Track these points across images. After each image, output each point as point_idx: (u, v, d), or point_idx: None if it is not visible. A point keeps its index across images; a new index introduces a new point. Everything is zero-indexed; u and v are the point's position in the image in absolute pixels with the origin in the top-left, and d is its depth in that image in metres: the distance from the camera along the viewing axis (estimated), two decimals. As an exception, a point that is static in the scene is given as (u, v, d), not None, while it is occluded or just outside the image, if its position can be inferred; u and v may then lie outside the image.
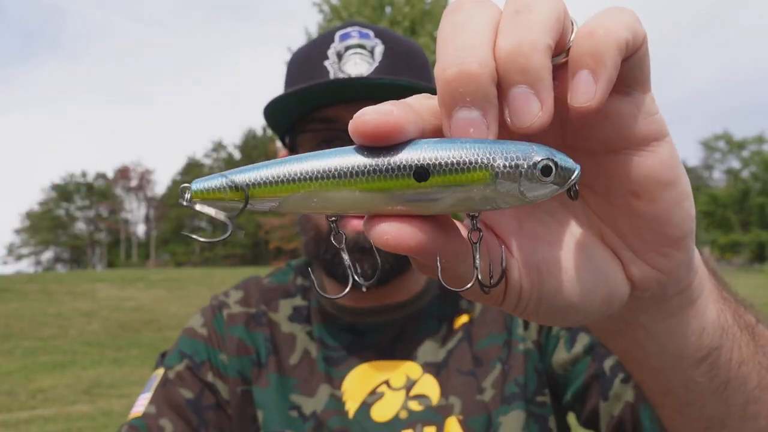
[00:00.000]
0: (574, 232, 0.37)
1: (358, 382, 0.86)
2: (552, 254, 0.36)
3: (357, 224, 0.79)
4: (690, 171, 57.05)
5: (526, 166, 0.28)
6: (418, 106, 0.31)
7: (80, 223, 60.98)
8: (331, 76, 0.82)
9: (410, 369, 0.86)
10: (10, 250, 58.74)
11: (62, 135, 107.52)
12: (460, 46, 0.29)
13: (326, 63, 0.83)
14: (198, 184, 0.30)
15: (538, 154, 0.28)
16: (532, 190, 0.29)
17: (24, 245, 59.33)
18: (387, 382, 0.85)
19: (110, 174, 61.99)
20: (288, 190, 0.29)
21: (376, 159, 0.28)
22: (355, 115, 0.28)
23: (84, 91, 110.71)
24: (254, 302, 0.94)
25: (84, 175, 61.27)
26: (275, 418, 0.84)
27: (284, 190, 0.29)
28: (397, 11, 20.41)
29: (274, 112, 0.86)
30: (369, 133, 0.28)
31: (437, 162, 0.28)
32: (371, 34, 0.86)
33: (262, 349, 0.89)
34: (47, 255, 60.25)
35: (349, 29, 0.86)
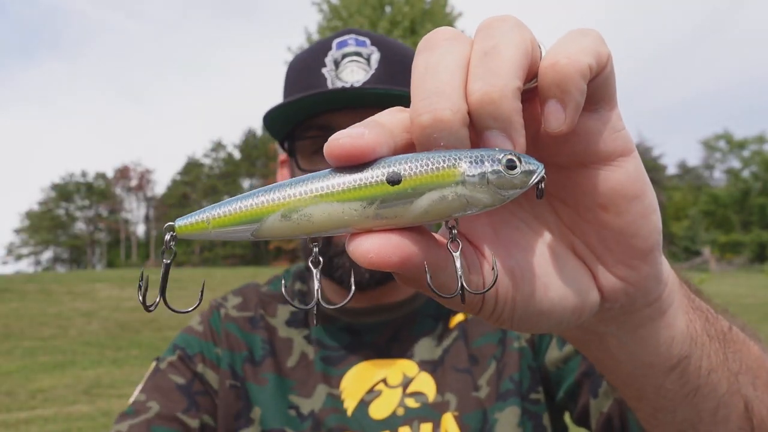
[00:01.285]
0: (547, 241, 0.38)
1: (356, 380, 0.87)
2: (526, 260, 0.37)
3: None
4: (690, 171, 57.12)
5: (491, 161, 0.30)
6: (390, 124, 0.32)
7: (80, 223, 60.97)
8: (329, 83, 0.83)
9: (407, 367, 0.87)
10: (10, 250, 58.72)
11: (62, 134, 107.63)
12: (433, 91, 0.30)
13: (324, 71, 0.85)
14: (180, 221, 0.32)
15: (501, 153, 0.30)
16: (501, 187, 0.30)
17: (24, 245, 59.30)
18: (384, 380, 0.87)
19: (110, 174, 62.07)
20: (268, 211, 0.30)
21: (350, 174, 0.30)
22: (329, 139, 0.30)
23: (84, 91, 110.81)
24: (252, 306, 0.96)
25: (84, 174, 61.25)
26: (274, 416, 0.85)
27: (265, 211, 0.30)
28: (396, 11, 20.39)
29: (273, 119, 0.87)
30: (343, 156, 0.29)
31: (408, 166, 0.30)
32: (368, 41, 0.87)
33: (257, 350, 0.90)
34: (47, 255, 60.28)
35: (345, 37, 0.88)
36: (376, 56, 0.86)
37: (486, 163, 0.30)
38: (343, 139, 0.29)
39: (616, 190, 0.35)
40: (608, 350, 0.44)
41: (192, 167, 58.18)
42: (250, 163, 56.04)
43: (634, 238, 0.36)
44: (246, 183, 57.67)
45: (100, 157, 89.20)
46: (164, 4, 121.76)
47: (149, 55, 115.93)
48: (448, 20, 21.40)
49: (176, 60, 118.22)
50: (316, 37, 20.23)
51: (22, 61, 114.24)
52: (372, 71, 0.84)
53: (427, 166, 0.29)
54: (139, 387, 0.87)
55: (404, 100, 0.92)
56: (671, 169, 59.68)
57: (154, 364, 0.90)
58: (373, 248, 0.30)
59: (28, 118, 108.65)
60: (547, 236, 0.39)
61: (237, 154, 57.13)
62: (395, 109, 0.34)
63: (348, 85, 0.83)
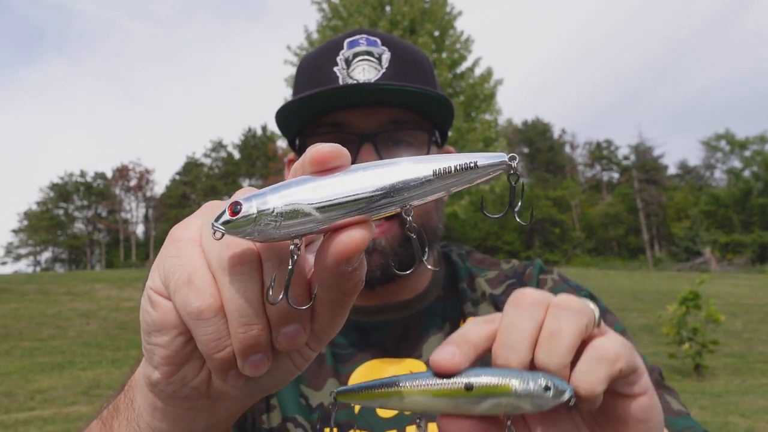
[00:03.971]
0: None
1: (364, 378, 0.88)
2: None
3: None
4: (691, 171, 57.15)
5: (534, 382, 0.44)
6: (477, 339, 0.47)
7: (79, 223, 60.91)
8: (340, 81, 0.84)
9: (415, 366, 0.88)
10: (9, 250, 58.64)
11: (61, 134, 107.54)
12: (510, 344, 0.46)
13: (335, 69, 0.86)
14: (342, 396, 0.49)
15: (542, 377, 0.44)
16: (539, 399, 0.44)
17: (22, 245, 59.23)
18: None
19: (109, 174, 61.96)
20: (385, 395, 0.47)
21: (444, 379, 0.45)
22: (434, 354, 0.46)
23: (83, 90, 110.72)
24: None
25: (83, 174, 61.17)
26: (289, 403, 0.86)
27: (394, 393, 0.47)
28: (396, 10, 20.36)
29: (285, 116, 0.87)
30: (444, 368, 0.45)
31: (478, 380, 0.45)
32: (379, 41, 0.88)
33: None
34: (46, 255, 60.22)
35: (357, 36, 0.89)
36: (387, 56, 0.87)
37: (530, 384, 0.44)
38: (442, 362, 0.44)
39: (630, 414, 0.48)
40: None
41: (192, 167, 58.14)
42: (250, 163, 56.00)
43: None
44: (246, 183, 57.63)
45: (99, 157, 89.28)
46: (165, 4, 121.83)
47: (149, 54, 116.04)
48: (448, 20, 21.38)
49: (176, 59, 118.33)
50: (315, 36, 20.17)
51: (21, 60, 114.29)
52: (383, 70, 0.85)
53: (491, 381, 0.44)
54: None
55: (418, 97, 0.86)
56: (672, 169, 59.92)
57: None
58: (459, 429, 0.44)
59: (26, 117, 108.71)
60: None
61: (237, 154, 57.09)
62: (482, 322, 0.48)
63: (359, 83, 0.83)
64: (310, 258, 0.41)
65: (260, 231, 0.37)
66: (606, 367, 0.45)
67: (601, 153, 61.55)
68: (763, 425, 5.35)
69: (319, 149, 0.38)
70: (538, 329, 0.46)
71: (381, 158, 0.81)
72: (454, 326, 0.91)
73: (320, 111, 0.85)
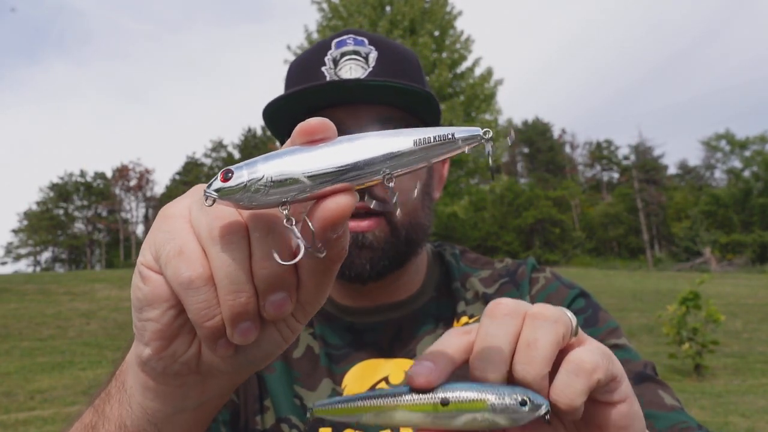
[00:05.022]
0: None
1: (358, 378, 0.88)
2: None
3: (353, 225, 0.84)
4: (691, 171, 57.09)
5: (510, 397, 0.45)
6: (455, 353, 0.48)
7: (79, 223, 60.89)
8: (328, 80, 0.85)
9: (408, 365, 0.89)
10: (9, 250, 58.63)
11: (60, 134, 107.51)
12: (488, 359, 0.46)
13: (323, 69, 0.87)
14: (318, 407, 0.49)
15: (519, 392, 0.45)
16: (515, 414, 0.45)
17: (22, 245, 59.20)
18: (386, 379, 0.87)
19: (109, 173, 61.94)
20: (368, 410, 0.47)
21: (420, 394, 0.46)
22: (410, 370, 0.46)
23: (83, 90, 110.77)
24: None
25: (83, 174, 61.14)
26: (283, 404, 0.87)
27: (365, 410, 0.47)
28: (396, 10, 20.35)
29: (272, 113, 0.88)
30: (420, 384, 0.45)
31: (454, 395, 0.45)
32: (366, 41, 0.89)
33: None
34: (46, 255, 60.20)
35: (344, 36, 0.90)
36: (374, 55, 0.87)
37: (506, 399, 0.44)
38: (418, 377, 0.45)
39: (610, 421, 0.49)
40: None
41: (192, 167, 58.11)
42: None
43: None
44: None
45: (98, 157, 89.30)
46: (165, 4, 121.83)
47: (149, 54, 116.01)
48: (448, 20, 21.38)
49: (176, 59, 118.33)
50: (315, 36, 20.17)
51: (21, 60, 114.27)
52: (370, 69, 0.86)
53: (467, 396, 0.45)
54: None
55: (404, 94, 0.85)
56: (672, 169, 59.88)
57: None
58: None
59: (26, 117, 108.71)
60: None
61: (237, 154, 57.07)
62: (459, 333, 0.49)
63: None
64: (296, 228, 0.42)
65: (250, 197, 0.39)
66: (584, 379, 0.45)
67: (601, 153, 61.53)
68: (763, 425, 5.35)
69: (308, 122, 0.40)
70: (514, 340, 0.46)
71: None
72: (448, 326, 0.91)
73: (308, 109, 0.86)
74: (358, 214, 0.84)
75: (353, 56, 0.87)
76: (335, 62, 0.87)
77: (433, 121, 0.93)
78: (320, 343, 0.91)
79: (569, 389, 0.45)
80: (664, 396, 0.79)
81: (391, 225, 0.86)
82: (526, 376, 0.45)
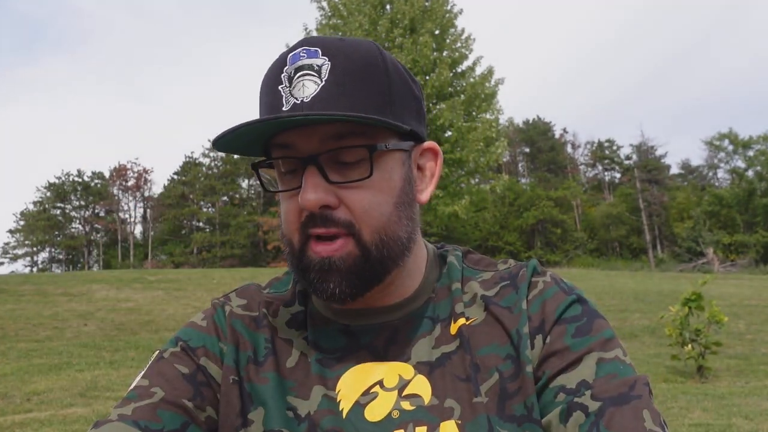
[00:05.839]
0: None
1: (352, 382, 0.87)
2: None
3: (320, 250, 0.81)
4: (694, 171, 57.13)
5: None
6: None
7: (76, 223, 60.88)
8: (284, 101, 0.82)
9: (403, 370, 0.87)
10: (5, 250, 58.62)
11: (57, 133, 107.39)
12: None
13: (280, 87, 0.84)
14: None
15: None
16: None
17: (19, 246, 59.18)
18: (380, 383, 0.86)
19: (107, 173, 61.92)
20: None
21: None
22: None
23: (80, 89, 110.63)
24: (256, 306, 0.96)
25: (80, 174, 61.05)
26: (274, 417, 0.84)
27: None
28: (397, 9, 20.32)
29: (231, 146, 0.86)
30: None
31: None
32: (319, 51, 0.85)
33: (261, 349, 0.90)
34: (43, 255, 60.20)
35: (298, 50, 0.86)
36: (326, 66, 0.83)
37: None
38: None
39: None
40: None
41: (190, 167, 58.11)
42: (248, 163, 55.93)
43: None
44: (245, 183, 57.70)
45: (96, 157, 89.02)
46: (165, 3, 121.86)
47: (147, 52, 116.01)
48: (448, 18, 21.35)
49: (175, 58, 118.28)
50: (314, 35, 20.16)
51: (18, 59, 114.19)
52: (322, 83, 0.82)
53: None
54: (141, 373, 0.85)
55: (344, 121, 0.81)
56: (674, 169, 59.90)
57: (156, 353, 0.88)
58: None
59: (23, 115, 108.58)
60: None
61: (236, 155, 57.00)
62: None
63: (299, 101, 0.81)
64: None
65: None
66: None
67: (602, 153, 61.56)
68: (767, 427, 5.30)
69: None
70: None
71: (326, 178, 0.80)
72: (445, 327, 0.89)
73: (263, 139, 0.85)
74: (325, 237, 0.81)
75: (306, 71, 0.84)
76: (290, 80, 0.84)
77: (408, 122, 0.88)
78: (313, 349, 0.89)
79: None
80: (646, 419, 0.74)
81: (360, 245, 0.82)
82: None
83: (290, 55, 0.86)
